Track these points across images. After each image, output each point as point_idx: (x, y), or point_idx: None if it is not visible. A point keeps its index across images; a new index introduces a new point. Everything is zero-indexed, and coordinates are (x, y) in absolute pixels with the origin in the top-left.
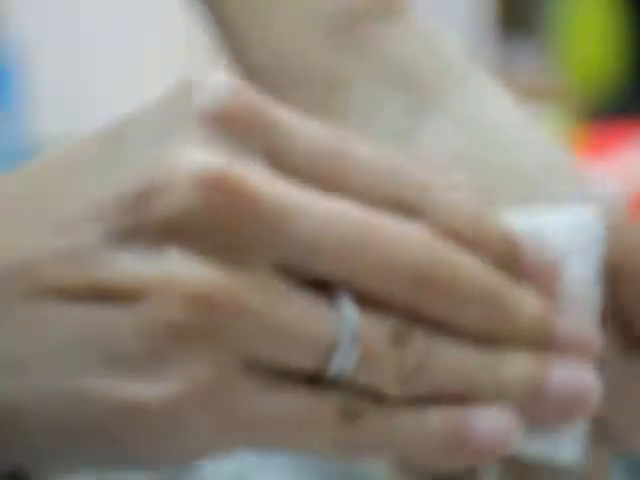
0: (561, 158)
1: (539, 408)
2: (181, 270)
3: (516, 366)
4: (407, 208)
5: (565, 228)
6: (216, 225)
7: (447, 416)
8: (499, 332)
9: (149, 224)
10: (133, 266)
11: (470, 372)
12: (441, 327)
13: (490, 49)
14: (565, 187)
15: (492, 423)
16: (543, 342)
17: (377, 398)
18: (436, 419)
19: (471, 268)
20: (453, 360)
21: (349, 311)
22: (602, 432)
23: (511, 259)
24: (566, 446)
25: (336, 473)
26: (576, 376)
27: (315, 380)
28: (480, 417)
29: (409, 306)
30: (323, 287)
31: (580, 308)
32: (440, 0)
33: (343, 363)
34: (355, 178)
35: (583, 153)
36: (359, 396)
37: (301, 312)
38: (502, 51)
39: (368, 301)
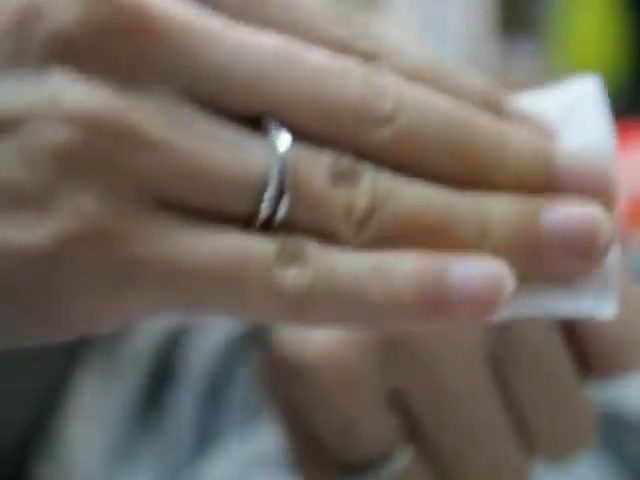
0: None
1: (541, 256)
2: (66, 90)
3: (503, 204)
4: (358, 53)
5: (558, 102)
6: (106, 40)
7: (420, 261)
8: (479, 172)
9: (32, 45)
10: (16, 91)
11: (444, 213)
12: (401, 169)
13: (490, 49)
14: None
15: (480, 270)
16: (538, 183)
17: (327, 243)
18: (406, 264)
19: (436, 100)
20: (419, 198)
21: (279, 142)
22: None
23: (491, 103)
24: (594, 298)
25: None
26: (581, 212)
27: (247, 224)
28: (464, 263)
29: (356, 143)
30: (258, 124)
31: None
32: (440, 0)
33: (275, 203)
34: (295, 18)
35: None
36: (300, 238)
37: (218, 145)
38: (502, 51)
39: (307, 137)
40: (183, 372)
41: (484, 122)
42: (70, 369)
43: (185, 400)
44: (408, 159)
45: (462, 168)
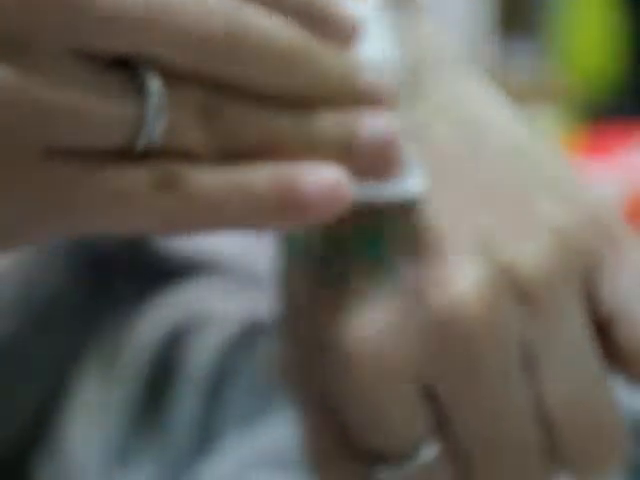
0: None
1: (361, 159)
2: None
3: (328, 121)
4: None
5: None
6: None
7: (272, 171)
8: (308, 92)
9: None
10: None
11: (281, 131)
12: (249, 94)
13: (490, 49)
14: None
15: (322, 175)
16: (351, 98)
17: (196, 163)
18: (261, 174)
19: (269, 27)
20: (264, 123)
21: (151, 84)
22: None
23: (309, 17)
24: (403, 184)
25: None
26: (385, 123)
27: (126, 157)
28: (308, 170)
29: (212, 76)
30: (128, 67)
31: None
32: (440, 0)
33: (149, 136)
34: None
35: (583, 153)
36: (173, 164)
37: (98, 93)
38: (502, 51)
39: (173, 77)
40: (183, 372)
41: (316, 51)
42: (70, 369)
43: (185, 400)
44: (251, 85)
45: (285, 86)
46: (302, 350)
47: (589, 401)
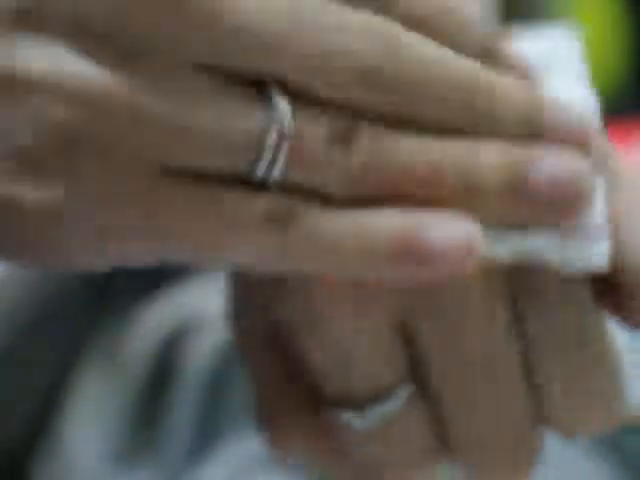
0: None
1: (528, 205)
2: (65, 64)
3: (492, 153)
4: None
5: (538, 50)
6: (111, 13)
7: (397, 218)
8: (474, 125)
9: (36, 9)
10: (25, 55)
11: (432, 164)
12: (398, 124)
13: None
14: None
15: (452, 228)
16: (528, 135)
17: (318, 201)
18: (384, 222)
19: (435, 54)
20: (408, 152)
21: (278, 105)
22: None
23: (490, 52)
24: (580, 247)
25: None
26: (567, 162)
27: (245, 184)
28: (437, 221)
29: (355, 104)
30: (257, 87)
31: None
32: None
33: (270, 163)
34: None
35: None
36: (293, 199)
37: (221, 111)
38: None
39: (306, 99)
40: (182, 373)
41: (471, 70)
42: (70, 369)
43: (185, 400)
44: (399, 111)
45: (450, 117)
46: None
47: (580, 351)
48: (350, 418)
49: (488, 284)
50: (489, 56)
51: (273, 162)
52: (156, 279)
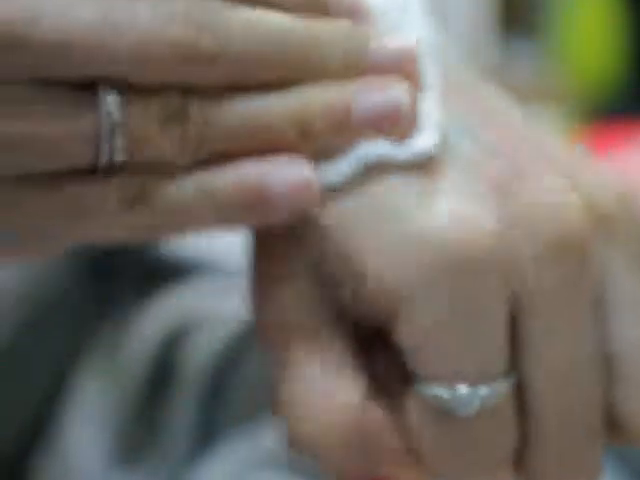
0: None
1: (357, 135)
2: None
3: (318, 96)
4: None
5: None
6: None
7: (239, 171)
8: (303, 73)
9: None
10: None
11: (265, 119)
12: (230, 89)
13: (490, 49)
14: None
15: (288, 173)
16: (355, 68)
17: (166, 176)
18: (228, 176)
19: (242, 18)
20: (238, 115)
21: (107, 100)
22: None
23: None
24: (413, 143)
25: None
26: (385, 92)
27: (95, 175)
28: (274, 169)
29: (181, 82)
30: (91, 88)
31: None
32: (440, 0)
33: (110, 154)
34: None
35: None
36: (142, 178)
37: (55, 118)
38: (502, 51)
39: (136, 89)
40: (183, 372)
41: (285, 24)
42: (70, 369)
43: (185, 400)
44: (232, 80)
45: (272, 72)
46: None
47: None
48: (451, 399)
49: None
50: (317, 5)
51: (112, 151)
52: (156, 279)
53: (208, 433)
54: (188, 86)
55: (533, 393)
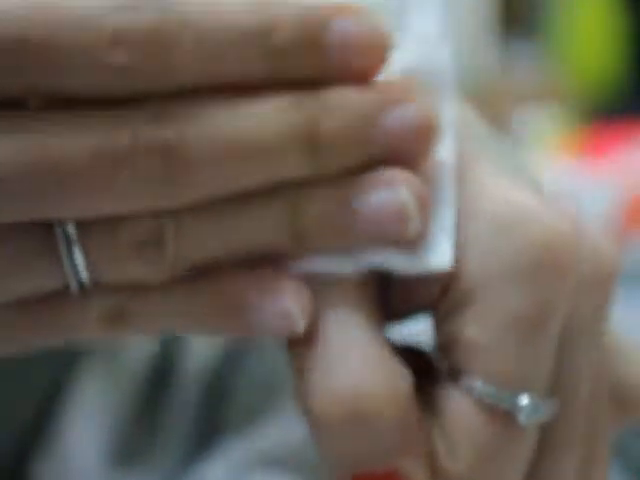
0: None
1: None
2: None
3: (314, 199)
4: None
5: None
6: None
7: (217, 294)
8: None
9: None
10: None
11: (249, 230)
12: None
13: (490, 49)
14: None
15: (273, 303)
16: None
17: (142, 292)
18: (207, 289)
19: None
20: (223, 228)
21: (63, 235)
22: None
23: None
24: (424, 252)
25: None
26: (391, 197)
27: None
28: (256, 294)
29: (152, 207)
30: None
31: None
32: None
33: (81, 288)
34: None
35: (583, 153)
36: (119, 298)
37: (11, 257)
38: (502, 51)
39: (95, 221)
40: (183, 372)
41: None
42: (71, 369)
43: (185, 400)
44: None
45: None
46: None
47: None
48: (512, 406)
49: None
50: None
51: (79, 279)
52: None
53: (207, 433)
54: (164, 211)
55: (567, 415)
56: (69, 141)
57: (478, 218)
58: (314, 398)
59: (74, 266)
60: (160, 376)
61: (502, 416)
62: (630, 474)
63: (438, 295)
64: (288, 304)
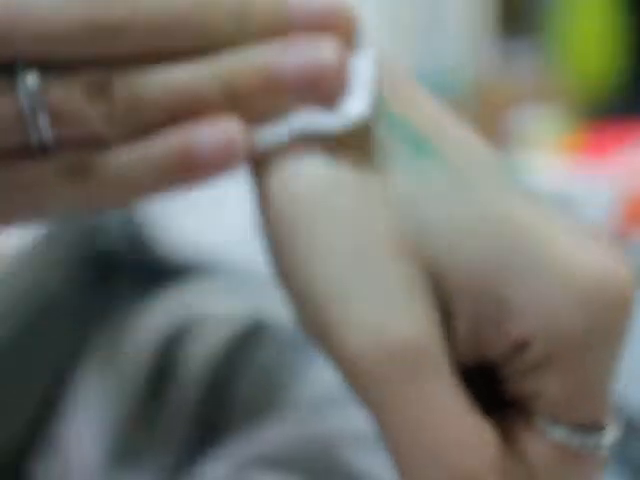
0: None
1: (286, 98)
2: None
3: (246, 61)
4: None
5: None
6: None
7: (170, 138)
8: (220, 42)
9: None
10: None
11: (188, 84)
12: (150, 59)
13: (490, 49)
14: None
15: (214, 133)
16: (276, 32)
17: (102, 147)
18: (160, 144)
19: None
20: (161, 83)
21: (26, 82)
22: None
23: None
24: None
25: (337, 473)
26: (311, 52)
27: (31, 153)
28: (202, 131)
29: (101, 57)
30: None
31: None
32: (440, 0)
33: (38, 132)
34: None
35: (583, 153)
36: (78, 153)
37: None
38: (502, 51)
39: (56, 67)
40: (184, 371)
41: None
42: (70, 369)
43: (185, 400)
44: (152, 50)
45: (204, 43)
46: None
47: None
48: (594, 444)
49: None
50: None
51: (39, 130)
52: (156, 280)
53: (207, 433)
54: (109, 59)
55: None
56: None
57: (554, 285)
58: (414, 469)
59: (35, 119)
60: (160, 376)
61: (584, 457)
62: (629, 475)
63: (509, 354)
64: (229, 131)
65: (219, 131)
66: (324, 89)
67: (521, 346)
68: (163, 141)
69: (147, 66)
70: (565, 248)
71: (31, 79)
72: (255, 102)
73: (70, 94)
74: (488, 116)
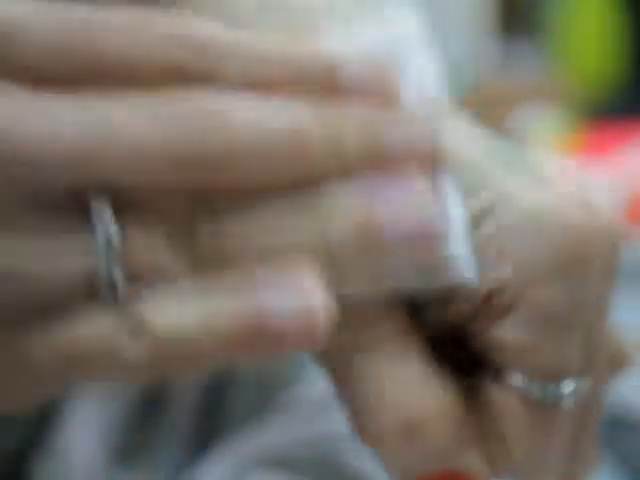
0: None
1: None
2: None
3: (341, 207)
4: (189, 76)
5: (386, 39)
6: None
7: (240, 301)
8: (315, 174)
9: None
10: None
11: (279, 236)
12: (233, 197)
13: (490, 49)
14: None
15: (295, 300)
16: (372, 165)
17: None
18: (228, 304)
19: (243, 117)
20: (255, 228)
21: (104, 230)
22: None
23: (329, 83)
24: (438, 265)
25: (338, 473)
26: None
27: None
28: (278, 295)
29: (186, 194)
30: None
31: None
32: (440, 0)
33: (111, 289)
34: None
35: (583, 153)
36: (138, 310)
37: (44, 251)
38: (502, 51)
39: (133, 209)
40: None
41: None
42: None
43: (186, 400)
44: (244, 185)
45: (300, 175)
46: None
47: None
48: (557, 394)
49: None
50: (327, 86)
51: (113, 287)
52: None
53: (208, 433)
54: (196, 196)
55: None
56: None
57: (510, 225)
58: (372, 423)
59: (110, 276)
60: None
61: (548, 408)
62: (621, 466)
63: (478, 307)
64: (314, 300)
65: (304, 296)
66: (423, 251)
67: (491, 294)
68: (232, 298)
69: (237, 209)
70: (523, 196)
71: (109, 228)
72: (348, 262)
73: (151, 244)
74: (488, 116)
